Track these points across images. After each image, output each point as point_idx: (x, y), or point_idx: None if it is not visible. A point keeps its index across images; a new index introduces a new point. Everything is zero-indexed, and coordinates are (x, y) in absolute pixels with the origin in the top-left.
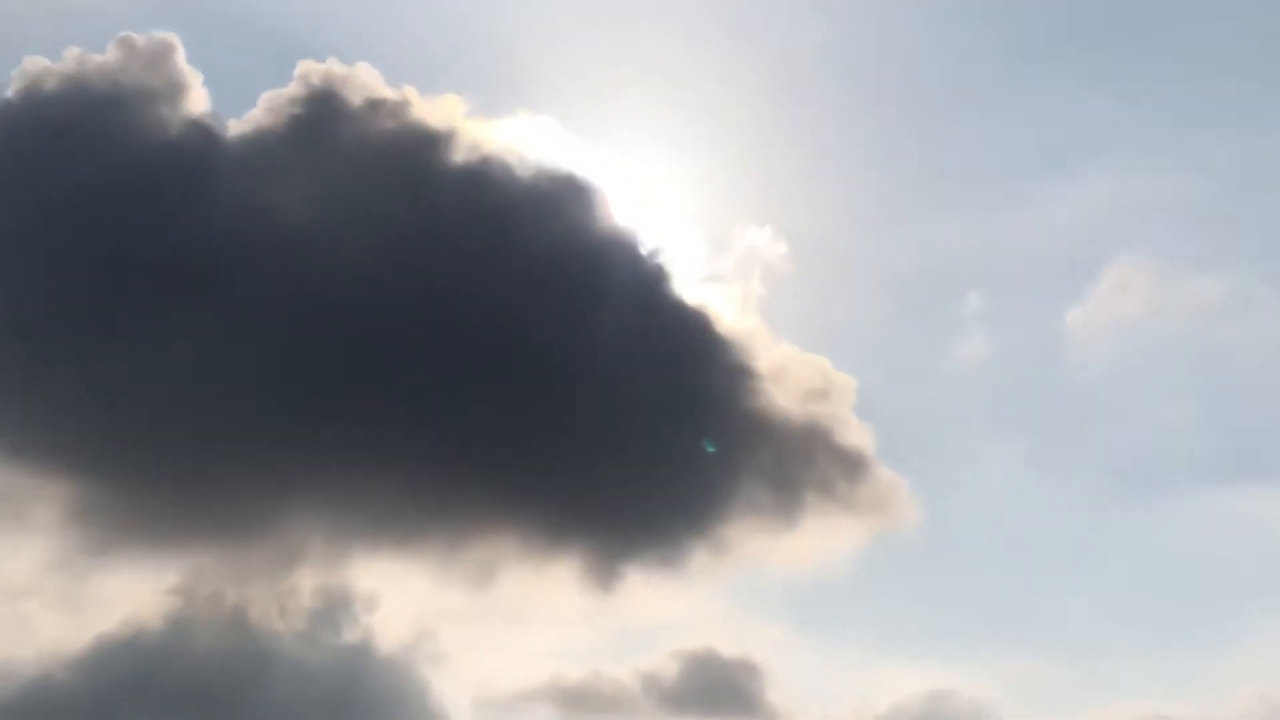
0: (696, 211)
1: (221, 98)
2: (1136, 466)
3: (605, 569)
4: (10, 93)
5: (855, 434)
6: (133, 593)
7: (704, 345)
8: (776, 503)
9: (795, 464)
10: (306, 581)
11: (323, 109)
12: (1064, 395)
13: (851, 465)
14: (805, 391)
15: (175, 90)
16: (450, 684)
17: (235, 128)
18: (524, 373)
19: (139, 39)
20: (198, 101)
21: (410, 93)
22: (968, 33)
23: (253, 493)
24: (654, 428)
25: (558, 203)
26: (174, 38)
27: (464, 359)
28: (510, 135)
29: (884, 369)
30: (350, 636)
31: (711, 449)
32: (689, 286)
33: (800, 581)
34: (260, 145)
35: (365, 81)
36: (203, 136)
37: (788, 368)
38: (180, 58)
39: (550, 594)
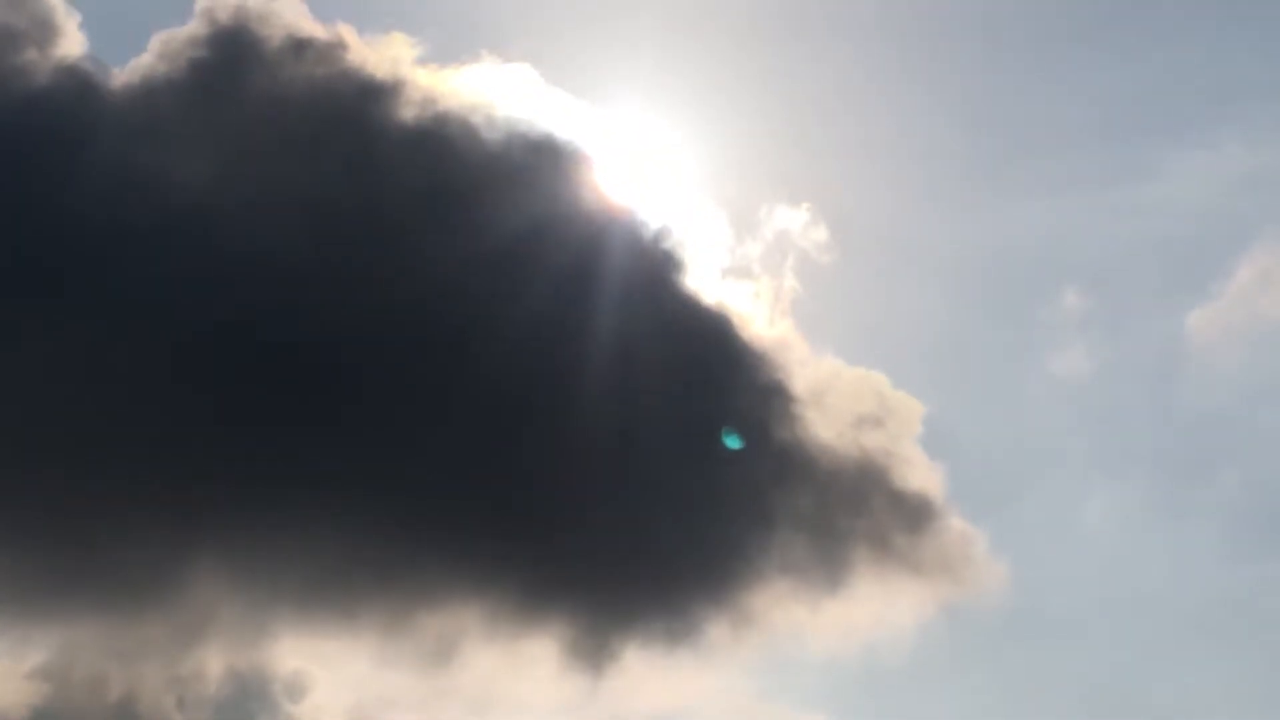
0: (712, 186)
1: (104, 39)
2: None
3: (595, 645)
4: None
5: (920, 473)
6: None
7: (724, 357)
8: (817, 561)
9: (841, 512)
10: (214, 662)
11: (231, 52)
12: (1189, 421)
13: (914, 514)
14: (854, 418)
15: (44, 30)
16: None
17: (120, 76)
18: (491, 395)
19: None
20: (72, 44)
21: (346, 32)
22: None
23: (144, 549)
24: (658, 465)
25: (535, 173)
26: None
27: (415, 378)
28: (474, 87)
29: (955, 390)
30: None
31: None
32: (704, 281)
33: (847, 662)
34: (151, 98)
35: (286, 18)
36: (78, 86)
37: (832, 387)
38: None
39: (524, 677)
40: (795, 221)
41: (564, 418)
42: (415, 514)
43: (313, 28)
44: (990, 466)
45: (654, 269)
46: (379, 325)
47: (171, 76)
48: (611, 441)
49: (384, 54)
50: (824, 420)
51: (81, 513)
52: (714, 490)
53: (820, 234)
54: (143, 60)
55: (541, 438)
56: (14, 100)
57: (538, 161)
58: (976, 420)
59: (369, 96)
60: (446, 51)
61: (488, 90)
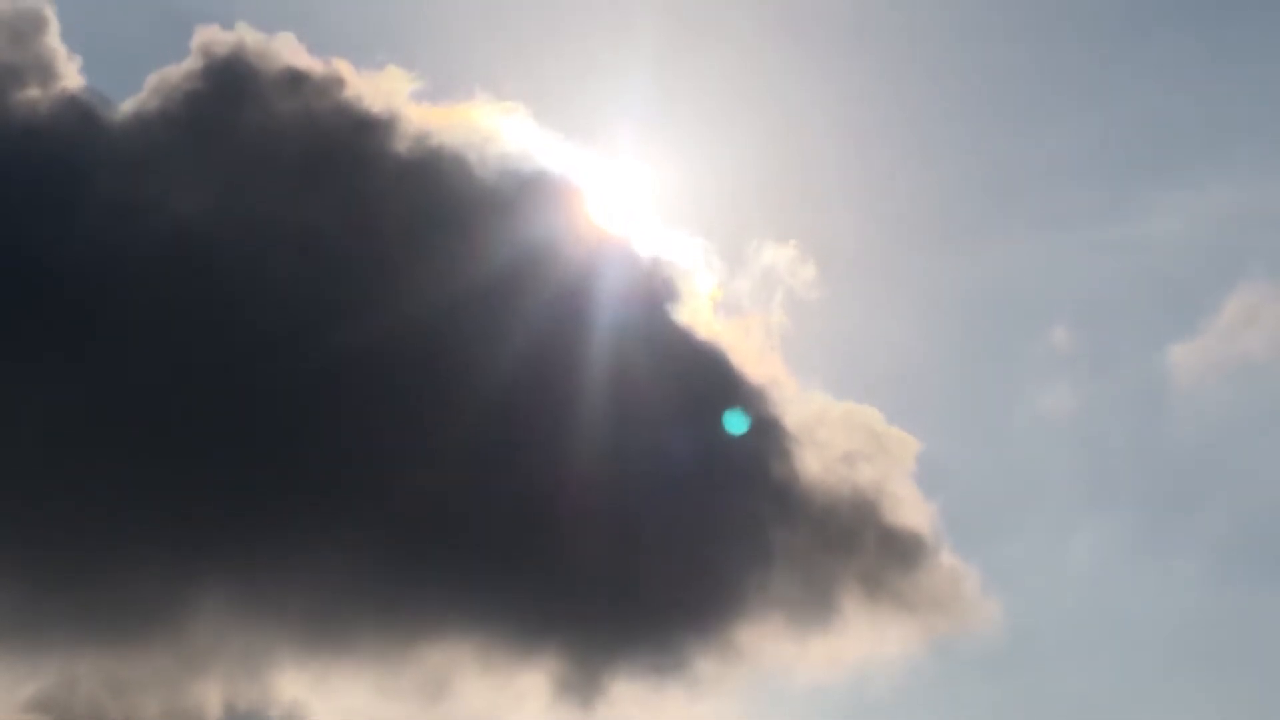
0: (699, 224)
1: (103, 83)
2: (1270, 543)
3: (585, 678)
4: None
5: (911, 509)
6: None
7: (715, 392)
8: (807, 597)
9: (832, 547)
10: (214, 693)
11: (227, 85)
12: (1176, 455)
13: (906, 550)
14: (847, 453)
15: (44, 75)
16: None
17: (120, 111)
18: (486, 430)
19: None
20: (70, 82)
21: (342, 67)
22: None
23: (144, 579)
24: (648, 500)
25: (527, 209)
26: (46, 5)
27: (411, 411)
28: (467, 123)
29: (943, 426)
30: None
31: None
32: (694, 317)
33: (837, 693)
34: (149, 132)
35: (283, 53)
36: (79, 119)
37: (823, 422)
38: (53, 31)
39: (517, 708)
40: (782, 258)
41: (556, 452)
42: (412, 548)
43: (309, 62)
44: (979, 502)
45: (645, 305)
46: (374, 358)
47: (170, 110)
48: (601, 479)
49: (379, 88)
50: (815, 456)
51: (81, 544)
52: (705, 525)
53: (807, 271)
54: (142, 96)
55: (534, 472)
56: (15, 133)
57: (530, 198)
58: (965, 456)
59: (363, 131)
60: (440, 89)
61: (481, 127)
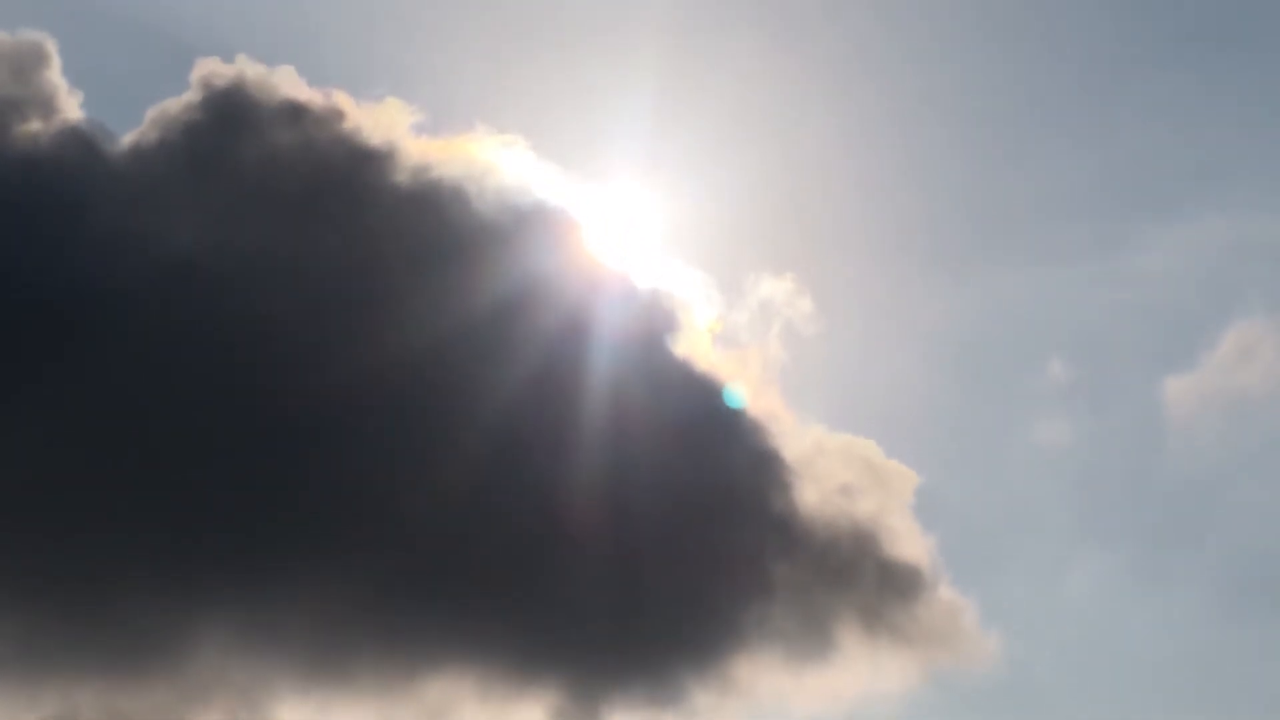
0: (698, 256)
1: (106, 111)
2: (1268, 576)
3: (584, 709)
4: None
5: (910, 542)
6: None
7: (713, 425)
8: (805, 630)
9: (830, 580)
10: None
11: (227, 117)
12: (1173, 489)
13: (904, 583)
14: (845, 487)
15: (46, 110)
16: None
17: (121, 143)
18: (485, 462)
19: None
20: (71, 114)
21: (342, 99)
22: (1047, 37)
23: (145, 610)
24: (647, 533)
25: (526, 241)
26: (47, 40)
27: (411, 443)
28: (467, 155)
29: (940, 459)
30: None
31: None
32: (692, 349)
33: None
34: (150, 165)
35: (283, 85)
36: (80, 152)
37: (821, 455)
38: (54, 65)
39: None
40: (779, 291)
41: (556, 484)
42: (412, 580)
43: (309, 94)
44: (977, 535)
45: (644, 338)
46: (373, 390)
47: (170, 142)
48: (602, 508)
49: (379, 120)
50: (814, 488)
51: (85, 575)
52: (703, 557)
53: (805, 304)
54: (142, 128)
55: (534, 504)
56: (17, 166)
57: (529, 230)
58: (963, 489)
59: (362, 162)
60: (440, 121)
61: (480, 160)
